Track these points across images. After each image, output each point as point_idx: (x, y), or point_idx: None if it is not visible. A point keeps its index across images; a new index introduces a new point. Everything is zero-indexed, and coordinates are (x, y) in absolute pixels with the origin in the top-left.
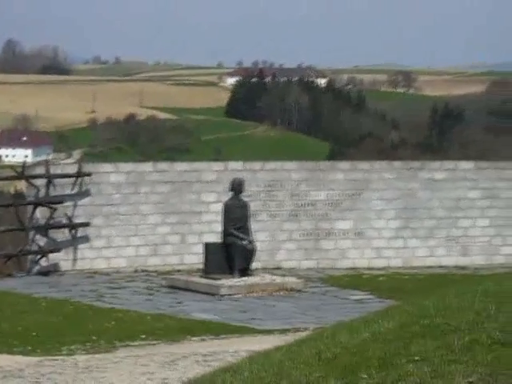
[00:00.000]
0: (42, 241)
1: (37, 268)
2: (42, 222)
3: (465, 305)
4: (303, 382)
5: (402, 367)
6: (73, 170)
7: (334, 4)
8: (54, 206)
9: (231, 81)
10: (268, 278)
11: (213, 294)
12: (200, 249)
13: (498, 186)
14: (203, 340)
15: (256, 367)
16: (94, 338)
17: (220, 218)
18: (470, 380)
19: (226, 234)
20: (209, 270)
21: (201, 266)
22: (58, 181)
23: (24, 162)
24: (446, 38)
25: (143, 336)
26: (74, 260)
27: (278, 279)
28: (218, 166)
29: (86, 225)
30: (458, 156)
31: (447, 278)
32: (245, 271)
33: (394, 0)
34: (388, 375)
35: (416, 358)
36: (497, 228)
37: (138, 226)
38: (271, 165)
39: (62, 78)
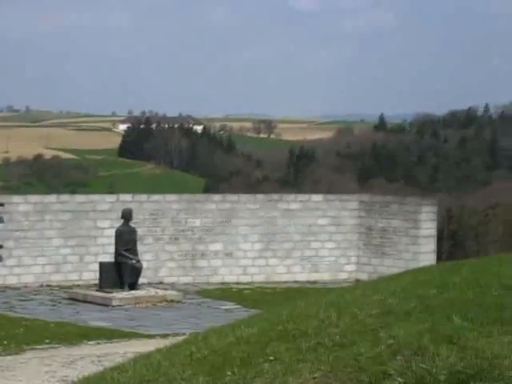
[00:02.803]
0: None
1: None
2: None
3: (312, 313)
4: (178, 379)
5: (259, 366)
6: None
7: (207, 62)
8: None
9: (123, 127)
10: (152, 291)
11: (106, 305)
12: (96, 267)
13: (343, 214)
14: (98, 343)
15: (139, 366)
16: (5, 342)
17: (113, 241)
18: (315, 376)
19: (117, 254)
20: (103, 284)
21: (96, 282)
22: None
23: None
24: (301, 92)
25: (47, 340)
26: None
27: (161, 292)
28: (111, 197)
29: (0, 247)
30: (311, 190)
31: (301, 291)
32: (133, 286)
33: (256, 59)
34: (248, 373)
35: (271, 358)
36: (342, 250)
37: (44, 248)
38: (155, 197)
39: None
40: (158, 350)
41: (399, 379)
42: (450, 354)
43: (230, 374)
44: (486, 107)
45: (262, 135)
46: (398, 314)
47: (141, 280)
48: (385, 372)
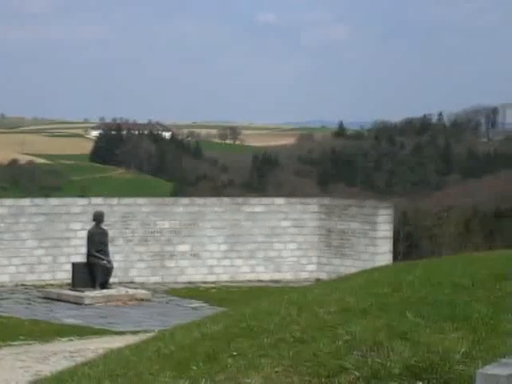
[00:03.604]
0: None
1: None
2: None
3: (274, 311)
4: (145, 373)
5: (223, 361)
6: None
7: (175, 72)
8: None
9: (95, 133)
10: (123, 290)
11: (79, 304)
12: (69, 267)
13: (304, 217)
14: (70, 340)
15: (109, 362)
16: None
17: (85, 242)
18: (277, 370)
19: (89, 255)
20: (76, 284)
21: (69, 281)
22: None
23: None
24: (264, 100)
25: (22, 337)
26: None
27: (131, 291)
28: (83, 201)
29: None
30: (274, 193)
31: (264, 290)
32: (104, 285)
33: (222, 69)
34: (212, 367)
35: (234, 353)
36: (303, 250)
37: (19, 249)
38: (126, 200)
39: None
40: (128, 346)
41: (356, 373)
42: (404, 349)
43: (195, 368)
44: (440, 115)
45: (227, 141)
46: (355, 311)
47: (112, 279)
48: (342, 366)
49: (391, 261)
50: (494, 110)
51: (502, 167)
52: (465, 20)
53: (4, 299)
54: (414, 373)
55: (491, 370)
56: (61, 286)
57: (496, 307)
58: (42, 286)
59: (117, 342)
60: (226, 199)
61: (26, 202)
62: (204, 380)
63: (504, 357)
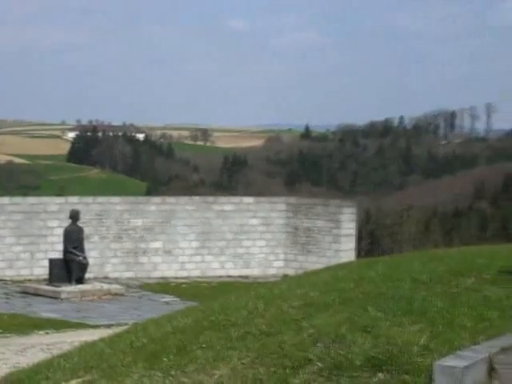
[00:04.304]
0: None
1: None
2: None
3: (241, 305)
4: (118, 365)
5: (192, 353)
6: None
7: (145, 75)
8: None
9: (72, 134)
10: (98, 285)
11: (55, 298)
12: (46, 263)
13: (272, 215)
14: (47, 333)
15: (84, 354)
16: None
17: (61, 239)
18: (243, 362)
19: (66, 251)
20: (53, 279)
21: (46, 277)
22: None
23: None
24: (234, 103)
25: (1, 330)
26: None
27: (106, 286)
28: (60, 199)
29: None
30: (243, 193)
31: (233, 285)
32: (80, 280)
33: (193, 73)
34: (182, 359)
35: (203, 345)
36: (271, 247)
37: None
38: (101, 199)
39: None
40: (102, 339)
41: (319, 364)
42: (365, 341)
43: (166, 360)
44: (401, 119)
45: (198, 143)
46: (318, 305)
47: (87, 275)
48: (306, 358)
49: (354, 257)
50: (453, 114)
51: (460, 168)
52: (426, 27)
53: None
54: (375, 364)
55: (448, 361)
56: (38, 282)
57: (453, 302)
58: (21, 281)
59: (92, 335)
60: (196, 198)
61: (5, 200)
62: (175, 371)
63: (460, 349)
